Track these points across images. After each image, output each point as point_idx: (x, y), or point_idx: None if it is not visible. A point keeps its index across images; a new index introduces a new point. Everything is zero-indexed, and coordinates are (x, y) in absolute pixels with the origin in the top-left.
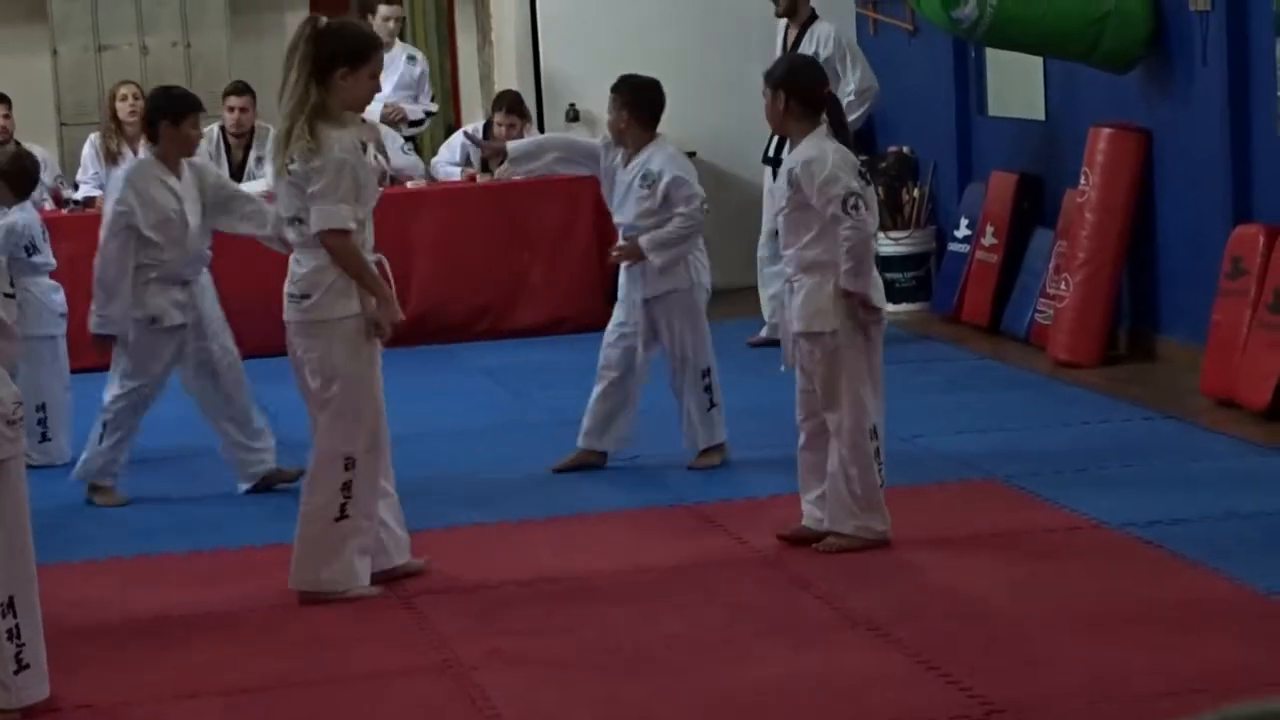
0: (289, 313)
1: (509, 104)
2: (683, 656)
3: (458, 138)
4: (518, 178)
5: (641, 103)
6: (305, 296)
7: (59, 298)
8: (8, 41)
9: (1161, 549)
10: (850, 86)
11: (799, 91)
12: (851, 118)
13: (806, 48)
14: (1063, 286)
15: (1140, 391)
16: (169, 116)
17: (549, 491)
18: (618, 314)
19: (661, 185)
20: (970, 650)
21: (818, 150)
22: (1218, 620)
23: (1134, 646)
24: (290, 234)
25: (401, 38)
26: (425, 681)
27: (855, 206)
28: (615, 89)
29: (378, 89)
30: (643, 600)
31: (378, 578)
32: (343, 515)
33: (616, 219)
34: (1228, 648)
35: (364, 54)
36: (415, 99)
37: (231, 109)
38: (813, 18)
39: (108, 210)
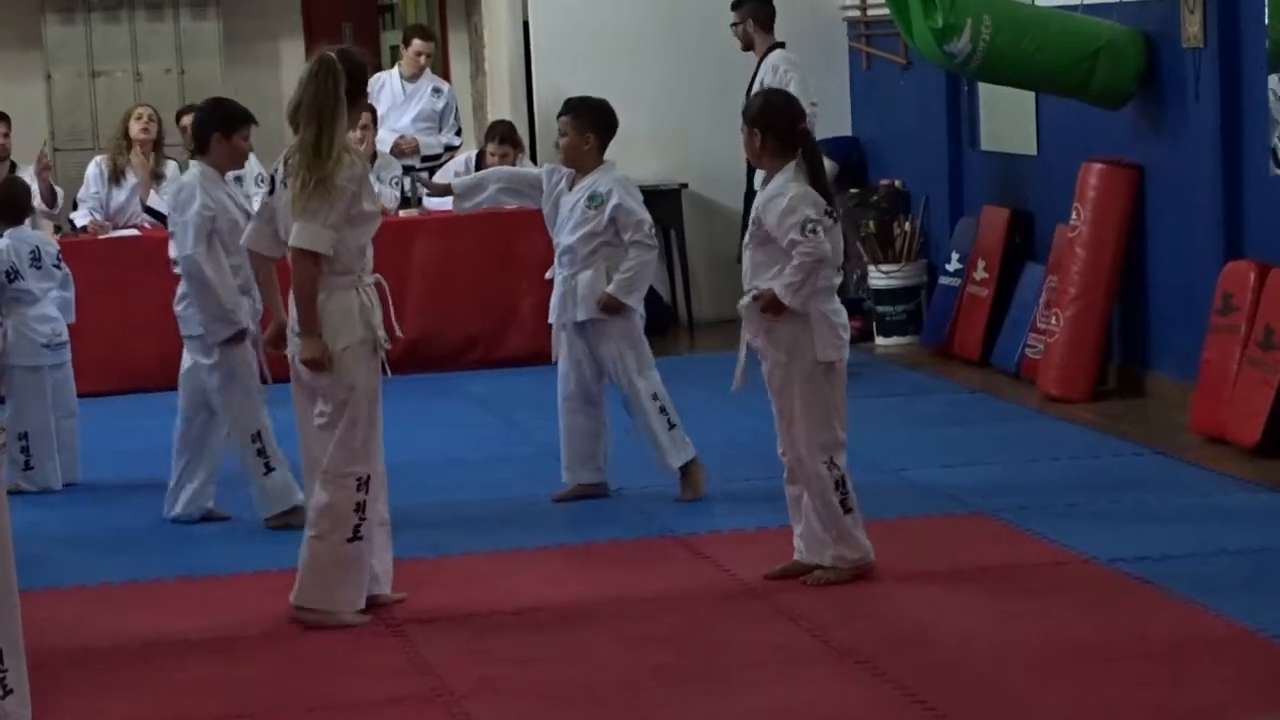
0: (292, 345)
1: (501, 134)
2: (670, 687)
3: (450, 166)
4: (465, 210)
5: (605, 125)
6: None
7: (47, 328)
8: (2, 67)
9: (1150, 585)
10: None
11: (774, 129)
12: None
13: (761, 80)
14: (1053, 321)
15: (1130, 427)
16: (221, 128)
17: (539, 521)
18: (562, 342)
19: (609, 208)
20: (957, 684)
21: (783, 186)
22: (1206, 657)
23: (1122, 682)
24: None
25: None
26: (414, 710)
27: (813, 230)
28: (574, 112)
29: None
30: (631, 631)
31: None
32: (355, 536)
33: (556, 240)
34: (1216, 684)
35: (358, 87)
36: (438, 131)
37: None
38: (771, 49)
39: (189, 218)
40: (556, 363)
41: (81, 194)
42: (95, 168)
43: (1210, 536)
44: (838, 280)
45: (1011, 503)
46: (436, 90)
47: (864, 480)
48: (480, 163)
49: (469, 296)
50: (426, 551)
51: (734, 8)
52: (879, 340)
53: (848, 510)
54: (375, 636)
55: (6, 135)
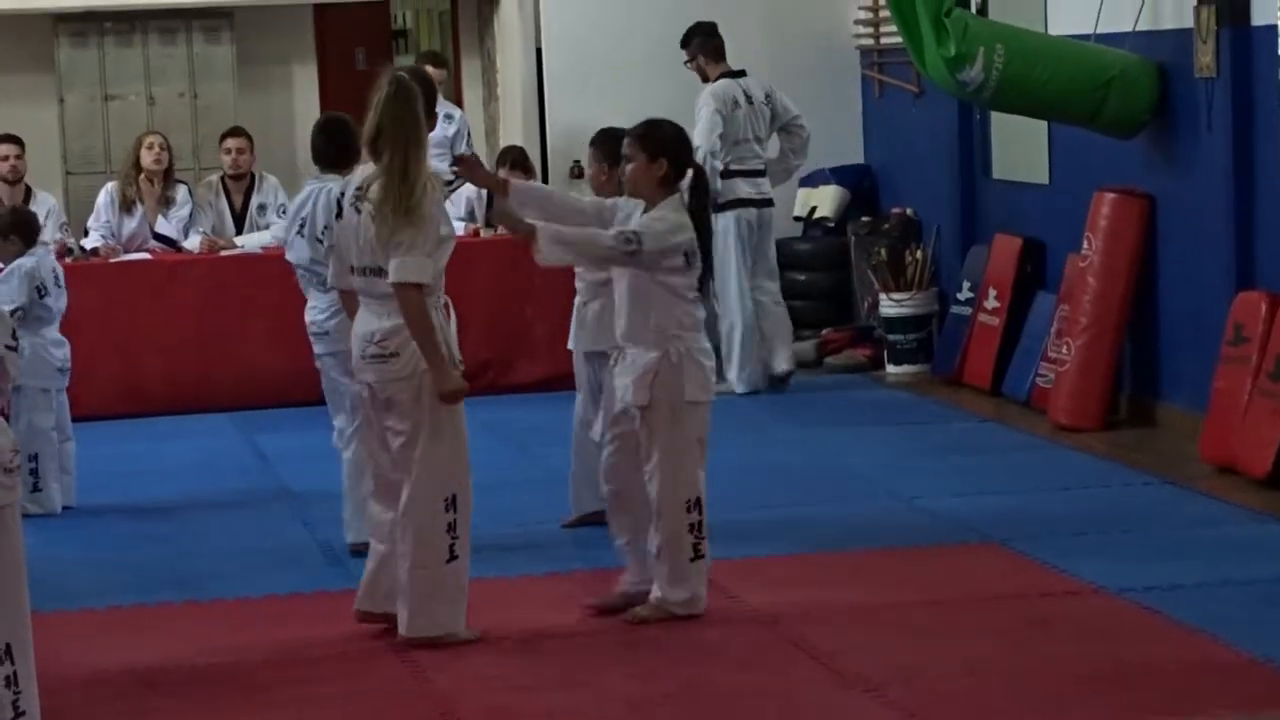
0: (374, 371)
1: (513, 159)
2: (680, 714)
3: (463, 193)
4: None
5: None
6: (395, 355)
7: (61, 353)
8: (15, 90)
9: (1160, 615)
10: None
11: (678, 162)
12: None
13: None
14: (1064, 350)
15: (1140, 457)
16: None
17: (547, 548)
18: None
19: None
20: (966, 713)
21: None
22: (1215, 687)
23: (1131, 712)
24: (369, 283)
25: None
26: None
27: (634, 253)
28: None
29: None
30: (638, 657)
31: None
32: (452, 556)
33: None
34: (1224, 716)
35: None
36: (449, 157)
37: (228, 150)
38: (722, 77)
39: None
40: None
41: (92, 221)
42: (105, 195)
43: (1220, 567)
44: (701, 315)
45: (1022, 532)
46: (448, 116)
47: (874, 508)
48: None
49: (481, 322)
50: None
51: (683, 45)
52: (890, 368)
53: (698, 556)
54: (384, 663)
55: (20, 157)
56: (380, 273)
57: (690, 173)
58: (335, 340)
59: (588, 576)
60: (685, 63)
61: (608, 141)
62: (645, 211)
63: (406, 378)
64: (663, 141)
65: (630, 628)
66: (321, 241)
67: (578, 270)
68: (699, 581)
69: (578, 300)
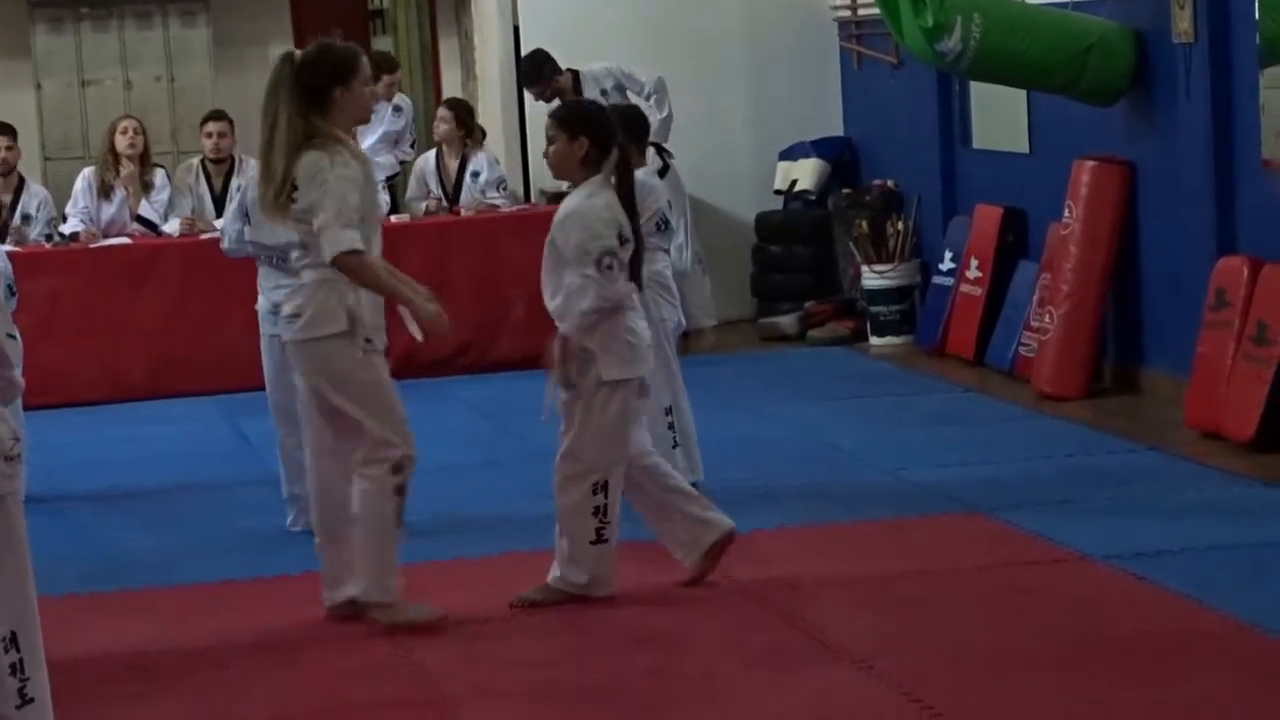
0: (284, 331)
1: (457, 116)
2: (667, 690)
3: (415, 167)
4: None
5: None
6: (297, 316)
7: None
8: None
9: (1146, 581)
10: None
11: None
12: None
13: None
14: (1047, 319)
15: (1124, 424)
16: None
17: (532, 525)
18: None
19: None
20: (954, 683)
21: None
22: (1202, 653)
23: (1118, 679)
24: (292, 257)
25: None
26: (408, 715)
27: (610, 266)
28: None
29: (375, 95)
30: (627, 634)
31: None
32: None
33: None
34: (1212, 680)
35: (352, 68)
36: (395, 146)
37: (209, 134)
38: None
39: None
40: None
41: (70, 207)
42: (83, 181)
43: (1205, 532)
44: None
45: (1007, 501)
46: (397, 108)
47: (859, 480)
48: (440, 161)
49: (460, 302)
50: (418, 557)
51: (534, 83)
52: (873, 340)
53: (602, 540)
54: (368, 642)
55: (10, 149)
56: (301, 246)
57: (615, 151)
58: None
59: None
60: (536, 98)
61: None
62: (570, 190)
63: (309, 352)
64: (582, 121)
65: (616, 604)
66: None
67: None
68: (605, 567)
69: None
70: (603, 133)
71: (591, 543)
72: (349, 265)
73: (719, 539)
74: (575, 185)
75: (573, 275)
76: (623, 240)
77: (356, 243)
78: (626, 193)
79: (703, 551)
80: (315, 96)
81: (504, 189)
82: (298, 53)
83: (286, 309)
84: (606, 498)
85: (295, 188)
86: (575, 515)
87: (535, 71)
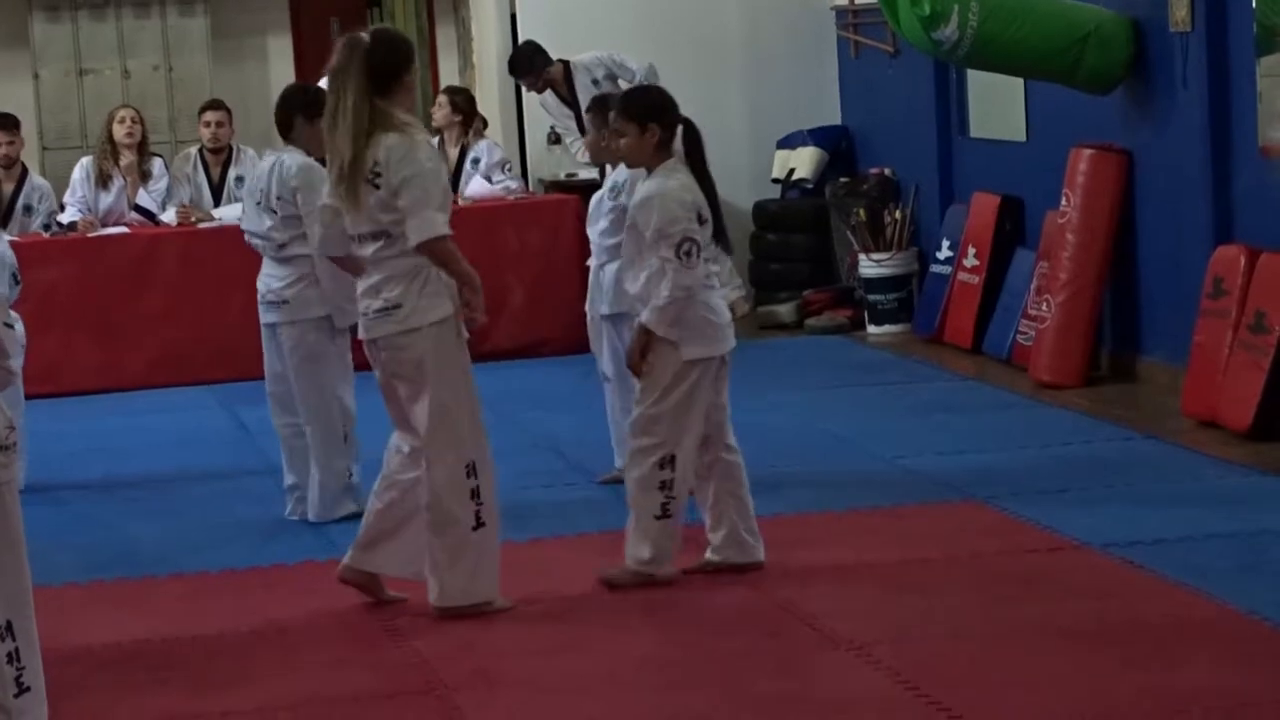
0: (377, 328)
1: (455, 103)
2: (665, 677)
3: None
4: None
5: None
6: (397, 307)
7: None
8: None
9: (1143, 569)
10: None
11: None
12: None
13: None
14: (1044, 307)
15: (1122, 412)
16: (304, 113)
17: (528, 514)
18: (601, 331)
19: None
20: (951, 671)
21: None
22: (1199, 641)
23: (1115, 667)
24: (367, 249)
25: None
26: (408, 704)
27: (688, 253)
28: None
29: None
30: (625, 622)
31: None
32: (479, 524)
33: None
34: (1209, 669)
35: (413, 55)
36: None
37: (208, 124)
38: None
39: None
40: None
41: (68, 196)
42: (81, 170)
43: (1202, 520)
44: (714, 270)
45: (1004, 489)
46: None
47: (857, 468)
48: (440, 149)
49: None
50: None
51: (525, 74)
52: (871, 329)
53: (667, 515)
54: (368, 631)
55: (11, 143)
56: (381, 235)
57: (680, 129)
58: (293, 309)
59: (571, 541)
60: (528, 89)
61: (604, 107)
62: (648, 178)
63: (407, 342)
64: (650, 108)
65: (614, 593)
66: (276, 212)
67: (591, 233)
68: (668, 543)
69: (593, 263)
70: (669, 115)
71: (656, 517)
72: (440, 250)
73: (743, 564)
74: (650, 171)
75: (652, 257)
76: (701, 220)
77: (448, 227)
78: (701, 168)
79: (723, 560)
80: (382, 81)
81: (509, 170)
82: (365, 36)
83: (377, 303)
84: (674, 472)
85: (377, 173)
86: (642, 489)
87: (526, 63)
